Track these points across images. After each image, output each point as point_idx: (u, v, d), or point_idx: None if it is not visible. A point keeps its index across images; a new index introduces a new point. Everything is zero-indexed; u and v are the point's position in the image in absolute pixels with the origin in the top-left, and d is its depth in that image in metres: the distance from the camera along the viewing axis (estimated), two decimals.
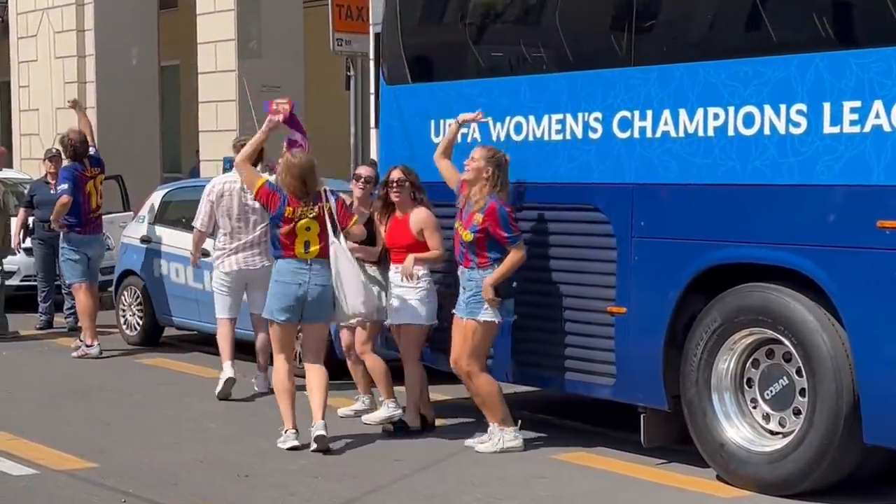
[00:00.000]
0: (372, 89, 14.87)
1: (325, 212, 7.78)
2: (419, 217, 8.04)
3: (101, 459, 7.32)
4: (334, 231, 7.80)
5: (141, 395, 9.40)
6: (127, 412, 8.80)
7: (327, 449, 7.50)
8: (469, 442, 7.71)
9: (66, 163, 11.79)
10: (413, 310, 8.02)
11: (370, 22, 14.66)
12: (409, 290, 8.02)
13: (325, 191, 7.89)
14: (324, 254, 7.77)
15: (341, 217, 7.86)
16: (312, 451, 7.48)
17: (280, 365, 7.81)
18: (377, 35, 14.39)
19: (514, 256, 7.47)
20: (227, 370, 9.29)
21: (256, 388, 9.47)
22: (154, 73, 19.99)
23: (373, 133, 14.88)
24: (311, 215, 7.75)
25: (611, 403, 7.67)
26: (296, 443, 7.55)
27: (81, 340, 11.28)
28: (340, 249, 7.82)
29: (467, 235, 7.53)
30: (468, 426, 8.12)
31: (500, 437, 7.62)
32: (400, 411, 8.20)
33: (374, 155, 14.82)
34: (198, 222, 9.79)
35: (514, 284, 7.61)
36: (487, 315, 7.54)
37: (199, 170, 17.90)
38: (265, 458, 7.39)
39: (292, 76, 17.27)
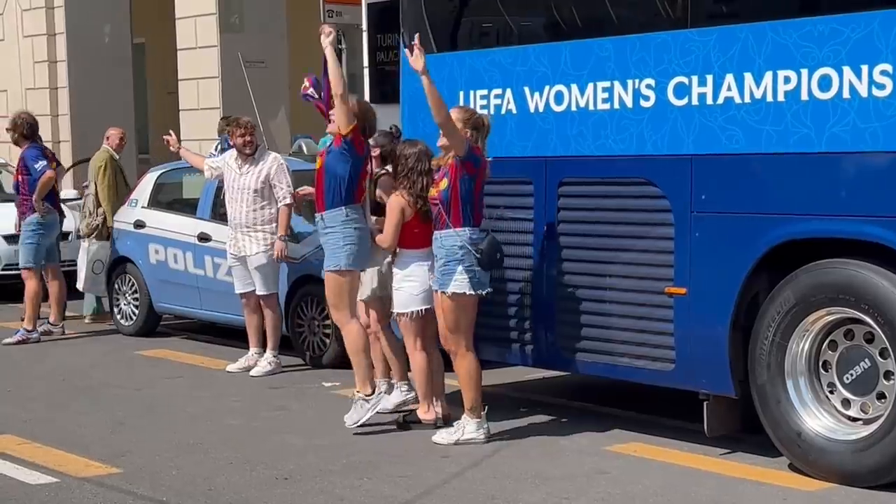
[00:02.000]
0: (365, 62, 14.35)
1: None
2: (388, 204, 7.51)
3: (124, 464, 6.77)
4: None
5: (150, 391, 8.85)
6: (139, 410, 8.24)
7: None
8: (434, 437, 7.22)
9: (23, 144, 11.32)
10: (399, 297, 7.46)
11: None
12: (397, 277, 7.49)
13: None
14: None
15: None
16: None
17: (356, 326, 7.56)
18: (370, 5, 13.99)
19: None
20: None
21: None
22: (127, 50, 19.30)
23: None
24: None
25: (651, 389, 7.23)
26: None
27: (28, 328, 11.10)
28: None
29: (443, 184, 7.08)
30: (507, 416, 7.64)
31: (462, 427, 7.15)
32: (413, 394, 7.74)
33: None
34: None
35: (499, 256, 7.12)
36: (455, 286, 7.05)
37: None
38: (301, 457, 6.87)
39: (277, 51, 16.69)
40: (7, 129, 11.48)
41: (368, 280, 7.86)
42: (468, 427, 7.18)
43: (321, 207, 7.66)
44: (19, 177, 11.33)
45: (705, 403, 6.72)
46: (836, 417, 6.31)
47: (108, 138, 12.17)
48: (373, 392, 7.54)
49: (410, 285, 7.42)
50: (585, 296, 7.25)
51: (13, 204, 12.45)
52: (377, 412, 7.53)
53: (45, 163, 11.19)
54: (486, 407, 7.26)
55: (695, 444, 6.91)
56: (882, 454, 6.01)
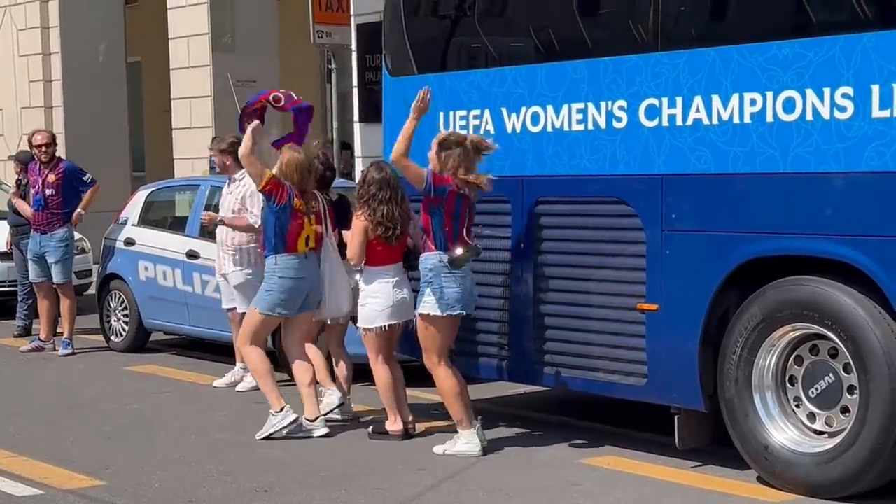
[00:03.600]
0: (355, 82, 14.56)
1: (322, 207, 8.01)
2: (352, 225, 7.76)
3: (108, 476, 6.92)
4: (327, 228, 8.01)
5: (138, 406, 8.99)
6: (126, 424, 8.39)
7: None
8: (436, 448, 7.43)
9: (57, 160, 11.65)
10: (364, 313, 7.70)
11: (351, 13, 14.34)
12: (362, 294, 7.73)
13: (315, 192, 8.07)
14: (318, 247, 7.99)
15: (331, 218, 8.10)
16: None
17: (257, 349, 7.95)
18: (359, 26, 14.21)
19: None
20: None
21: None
22: (122, 69, 19.46)
23: (356, 127, 14.53)
24: (311, 211, 7.94)
25: (626, 403, 7.39)
26: (295, 415, 7.77)
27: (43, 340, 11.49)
28: (332, 246, 8.03)
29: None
30: (487, 430, 7.80)
31: (455, 440, 7.35)
32: (338, 396, 8.13)
33: (358, 148, 14.49)
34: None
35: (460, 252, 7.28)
36: (423, 307, 7.33)
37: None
38: (282, 470, 7.01)
39: (268, 70, 16.84)
40: (45, 145, 11.53)
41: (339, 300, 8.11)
42: (459, 440, 7.35)
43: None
44: (47, 191, 11.42)
45: (676, 417, 6.87)
46: (801, 431, 6.47)
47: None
48: (281, 410, 7.82)
49: (374, 301, 7.63)
50: (561, 312, 7.41)
51: (5, 221, 12.65)
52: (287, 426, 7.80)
53: (90, 175, 11.66)
54: (480, 418, 7.44)
55: (667, 457, 7.05)
56: (846, 466, 6.16)
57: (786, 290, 6.39)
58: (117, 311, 11.54)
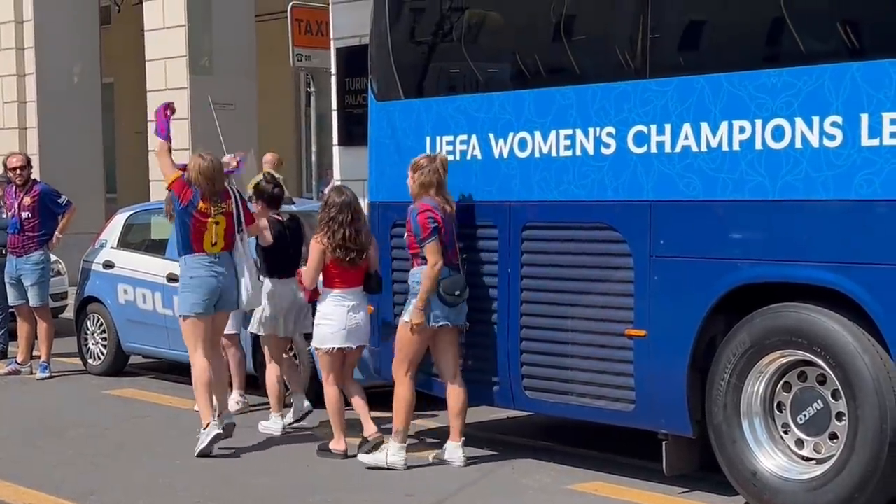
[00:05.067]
0: (334, 105, 14.56)
1: (232, 209, 8.28)
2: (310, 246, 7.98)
3: (94, 502, 6.89)
4: (239, 226, 8.29)
5: (119, 430, 8.93)
6: (109, 449, 8.33)
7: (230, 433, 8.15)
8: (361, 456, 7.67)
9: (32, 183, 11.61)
10: (317, 333, 7.93)
11: (331, 37, 14.33)
12: (318, 315, 7.96)
13: (231, 190, 8.36)
14: (228, 247, 8.25)
15: (245, 216, 8.37)
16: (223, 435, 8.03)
17: (201, 362, 8.14)
18: (339, 50, 14.22)
19: (428, 259, 7.38)
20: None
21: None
22: (97, 90, 19.41)
23: (335, 150, 14.52)
24: (220, 212, 8.21)
25: (615, 429, 7.39)
26: (219, 430, 8.00)
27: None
28: (240, 246, 8.31)
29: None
30: (472, 456, 7.78)
31: (386, 450, 7.51)
32: (280, 427, 8.57)
33: (337, 171, 14.47)
34: None
35: (457, 293, 7.45)
36: (405, 316, 7.48)
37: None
38: (267, 496, 6.98)
39: (245, 92, 16.87)
40: (19, 167, 11.49)
41: (256, 318, 8.65)
42: (390, 450, 7.50)
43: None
44: (23, 213, 11.37)
45: (664, 443, 6.89)
46: (789, 457, 6.49)
47: (266, 162, 12.94)
48: (207, 426, 8.07)
49: (328, 323, 7.82)
50: (548, 337, 7.42)
51: None
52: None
53: (66, 197, 11.64)
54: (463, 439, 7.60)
55: (655, 483, 7.06)
56: (835, 493, 6.18)
57: (774, 316, 6.42)
58: (95, 335, 11.47)
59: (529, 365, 7.51)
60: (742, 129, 6.48)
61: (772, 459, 6.50)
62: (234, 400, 9.48)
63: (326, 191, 8.98)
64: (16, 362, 11.57)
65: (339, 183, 8.42)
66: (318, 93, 15.08)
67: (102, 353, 11.41)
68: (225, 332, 9.44)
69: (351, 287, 7.80)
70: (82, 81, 19.15)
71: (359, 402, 7.95)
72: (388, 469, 7.44)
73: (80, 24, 19.03)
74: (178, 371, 11.24)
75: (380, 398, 8.43)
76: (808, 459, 6.45)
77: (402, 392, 7.55)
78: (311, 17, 14.65)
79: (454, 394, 7.62)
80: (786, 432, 6.54)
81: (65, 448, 8.37)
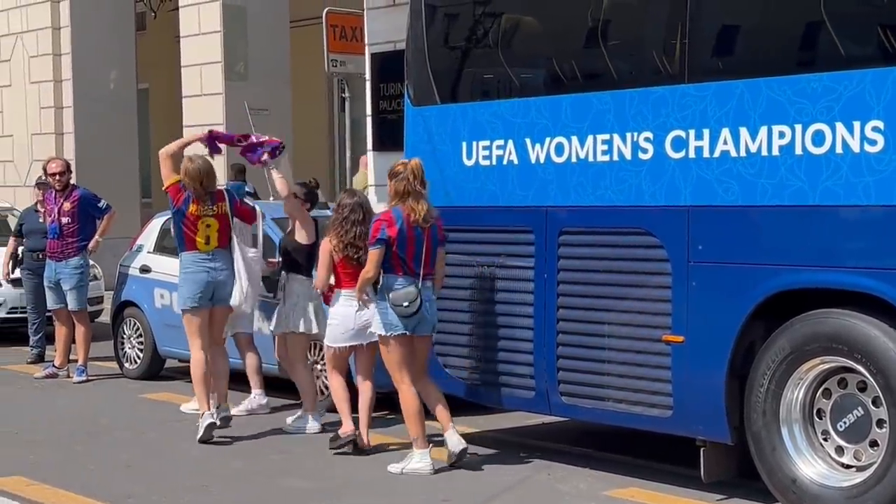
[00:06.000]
0: (368, 110, 14.59)
1: (227, 210, 8.79)
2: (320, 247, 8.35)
3: None
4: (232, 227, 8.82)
5: (155, 434, 8.96)
6: (145, 452, 8.36)
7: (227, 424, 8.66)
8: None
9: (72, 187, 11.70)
10: (329, 332, 8.23)
11: (365, 42, 14.36)
12: (329, 313, 8.28)
13: (225, 191, 8.97)
14: (223, 245, 8.79)
15: (242, 214, 8.96)
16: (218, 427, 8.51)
17: (198, 353, 8.65)
18: (373, 55, 14.25)
19: (366, 265, 7.63)
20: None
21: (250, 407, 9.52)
22: (132, 96, 19.57)
23: (369, 155, 14.54)
24: (210, 213, 8.73)
25: (652, 435, 7.35)
26: (212, 420, 8.49)
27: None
28: (235, 244, 8.78)
29: None
30: (507, 462, 7.77)
31: (409, 458, 7.53)
32: (318, 426, 8.72)
33: (371, 177, 14.47)
34: None
35: (406, 304, 7.48)
36: (374, 327, 7.71)
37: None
38: (308, 499, 6.98)
39: (279, 98, 16.94)
40: (59, 173, 11.60)
41: (282, 316, 8.90)
42: (414, 458, 7.52)
43: None
44: (62, 219, 11.45)
45: (702, 449, 6.85)
46: (829, 464, 6.44)
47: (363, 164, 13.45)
48: (202, 414, 8.56)
49: (336, 323, 8.12)
50: (585, 343, 7.39)
51: (20, 248, 12.62)
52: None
53: (105, 202, 11.75)
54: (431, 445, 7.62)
55: (692, 490, 7.02)
56: (875, 501, 6.13)
57: (814, 322, 6.38)
58: (132, 339, 11.51)
59: (566, 370, 7.48)
60: (782, 134, 6.44)
61: (812, 467, 6.46)
62: (257, 402, 9.49)
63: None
64: (53, 366, 11.65)
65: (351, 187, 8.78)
66: (352, 98, 15.11)
67: (139, 357, 11.45)
68: (240, 331, 9.52)
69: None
70: (118, 87, 19.30)
71: (338, 395, 8.18)
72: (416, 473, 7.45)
73: (116, 30, 19.19)
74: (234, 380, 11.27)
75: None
76: (848, 467, 6.40)
77: (406, 400, 7.62)
78: (346, 22, 14.69)
79: (412, 397, 7.66)
80: (825, 439, 6.50)
81: (101, 451, 8.41)
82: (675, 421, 6.96)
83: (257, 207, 9.39)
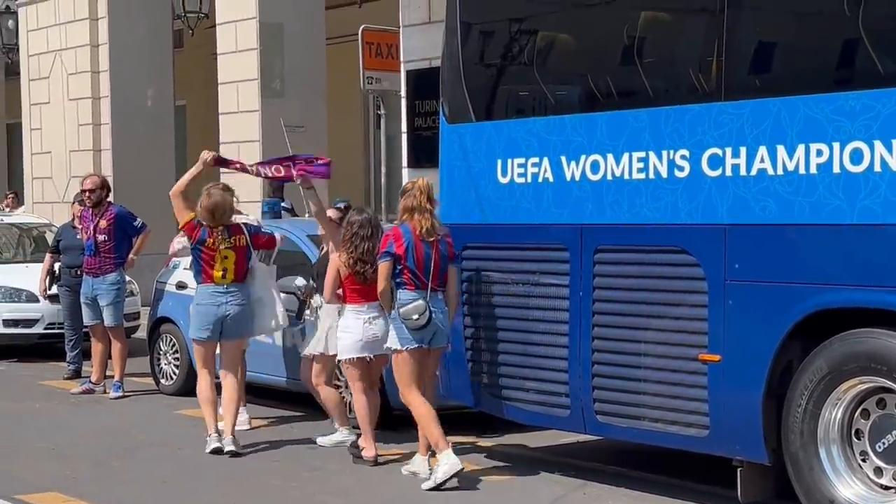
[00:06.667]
0: (404, 128, 14.61)
1: (245, 243, 8.95)
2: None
3: None
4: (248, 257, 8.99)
5: (192, 450, 8.97)
6: (181, 468, 8.39)
7: (238, 454, 8.63)
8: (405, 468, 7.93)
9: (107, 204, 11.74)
10: (340, 345, 8.40)
11: (401, 59, 14.39)
12: (339, 327, 8.38)
13: (243, 224, 9.09)
14: (239, 279, 8.92)
15: (261, 244, 9.14)
16: (229, 457, 8.55)
17: (204, 379, 8.93)
18: (409, 72, 14.27)
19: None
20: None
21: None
22: (170, 113, 19.67)
23: (404, 172, 14.55)
24: (229, 246, 8.88)
25: (688, 455, 7.30)
26: (218, 444, 8.66)
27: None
28: (253, 273, 9.02)
29: None
30: (542, 480, 7.73)
31: (437, 466, 7.60)
32: (354, 437, 8.57)
33: None
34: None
35: (415, 317, 7.69)
36: (389, 343, 7.91)
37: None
38: None
39: (315, 114, 16.95)
40: (90, 190, 11.68)
41: (314, 338, 8.88)
42: (440, 463, 7.57)
43: None
44: (98, 236, 11.52)
45: (739, 470, 6.80)
46: (868, 485, 6.38)
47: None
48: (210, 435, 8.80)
49: (347, 335, 8.28)
50: (620, 361, 7.36)
51: (38, 264, 12.71)
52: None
53: (141, 220, 11.82)
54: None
55: None
56: None
57: (853, 342, 6.32)
58: (168, 355, 11.56)
59: (601, 389, 7.45)
60: (819, 153, 6.40)
61: (850, 488, 6.40)
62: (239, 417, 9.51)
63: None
64: (90, 381, 11.71)
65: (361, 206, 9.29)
66: (387, 115, 15.12)
67: (175, 373, 11.50)
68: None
69: (368, 301, 8.18)
70: (155, 104, 19.42)
71: (361, 413, 8.28)
72: (453, 488, 7.46)
73: (153, 48, 19.31)
74: (249, 392, 11.28)
75: (452, 419, 8.38)
76: (887, 488, 6.34)
77: (418, 408, 7.76)
78: (382, 39, 14.70)
79: (424, 404, 7.79)
80: (864, 460, 6.44)
81: (137, 467, 8.45)
82: (711, 441, 6.91)
83: (276, 234, 9.51)
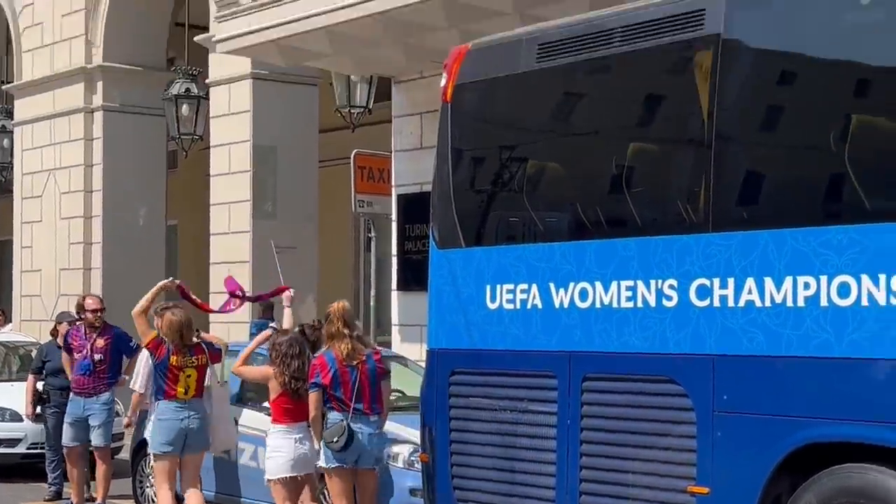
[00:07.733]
0: (394, 251, 14.67)
1: (205, 362, 9.38)
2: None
3: None
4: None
5: None
6: None
7: None
8: None
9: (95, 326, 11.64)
10: (269, 465, 8.82)
11: (392, 184, 14.52)
12: (269, 448, 8.80)
13: (202, 344, 9.45)
14: (199, 395, 9.37)
15: (216, 360, 9.57)
16: None
17: (165, 494, 9.20)
18: (399, 196, 14.39)
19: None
20: None
21: None
22: (161, 233, 19.80)
23: (394, 295, 14.57)
24: (192, 365, 9.29)
25: None
26: None
27: None
28: (212, 392, 9.52)
29: None
30: None
31: None
32: None
33: (395, 316, 14.47)
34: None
35: (335, 440, 8.21)
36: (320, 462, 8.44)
37: None
38: None
39: (306, 236, 17.05)
40: (100, 310, 11.74)
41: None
42: None
43: None
44: (95, 356, 11.45)
45: None
46: None
47: None
48: None
49: (278, 455, 8.64)
50: (608, 492, 7.26)
51: (22, 383, 12.62)
52: None
53: (136, 341, 11.72)
54: None
55: None
56: None
57: (843, 477, 6.26)
58: (151, 477, 11.39)
59: None
60: (807, 285, 6.41)
61: None
62: None
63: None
64: (71, 503, 11.53)
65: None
66: (378, 238, 15.20)
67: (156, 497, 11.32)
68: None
69: (297, 421, 8.61)
70: (147, 223, 19.53)
71: None
72: None
73: (147, 168, 19.51)
74: None
75: None
76: None
77: None
78: (374, 164, 14.86)
79: None
80: None
81: None
82: None
83: (221, 348, 9.87)
